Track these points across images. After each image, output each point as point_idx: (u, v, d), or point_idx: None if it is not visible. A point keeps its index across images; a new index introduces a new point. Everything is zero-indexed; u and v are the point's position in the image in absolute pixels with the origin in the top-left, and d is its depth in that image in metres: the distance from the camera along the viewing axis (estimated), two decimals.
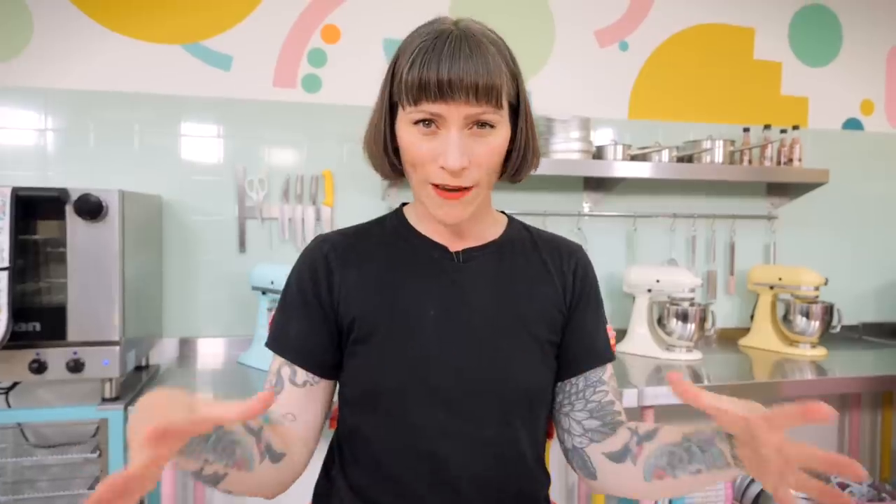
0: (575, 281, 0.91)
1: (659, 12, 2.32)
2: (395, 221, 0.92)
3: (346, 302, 0.85)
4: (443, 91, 0.74)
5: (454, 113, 0.75)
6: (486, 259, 0.88)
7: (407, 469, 0.82)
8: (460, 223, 0.83)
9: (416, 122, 0.77)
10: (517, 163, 0.85)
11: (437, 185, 0.78)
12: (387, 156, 0.85)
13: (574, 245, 0.95)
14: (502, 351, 0.83)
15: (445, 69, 0.74)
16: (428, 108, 0.75)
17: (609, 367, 0.91)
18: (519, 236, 0.93)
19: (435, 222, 0.87)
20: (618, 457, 0.84)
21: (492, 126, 0.77)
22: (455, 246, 0.88)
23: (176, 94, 1.97)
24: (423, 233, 0.89)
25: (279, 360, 0.86)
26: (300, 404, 0.85)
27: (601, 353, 0.91)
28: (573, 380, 0.89)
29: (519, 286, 0.87)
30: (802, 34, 2.46)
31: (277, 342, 0.88)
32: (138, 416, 0.56)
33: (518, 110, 0.82)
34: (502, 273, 0.88)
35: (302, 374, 0.85)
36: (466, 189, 0.78)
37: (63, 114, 1.90)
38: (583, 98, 2.28)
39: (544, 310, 0.87)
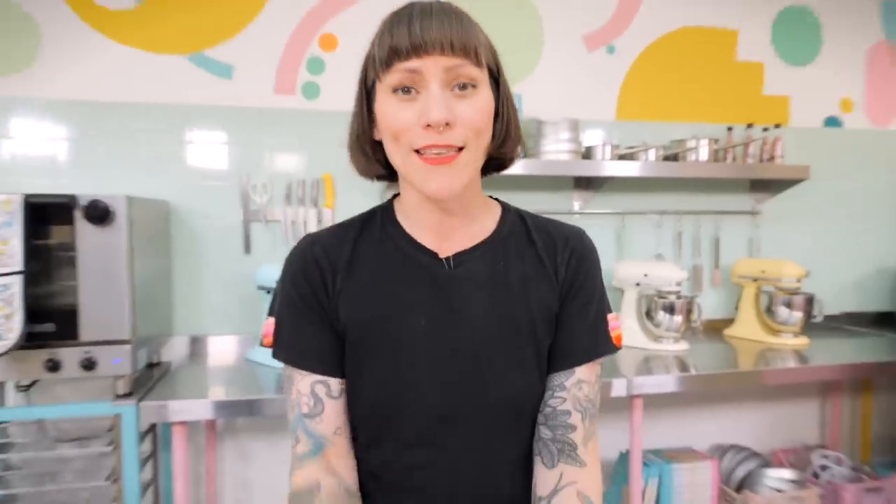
0: (567, 273, 0.84)
1: (645, 16, 2.40)
2: (384, 219, 0.86)
3: (338, 311, 0.81)
4: (416, 47, 0.69)
5: (431, 66, 0.70)
6: (478, 262, 0.82)
7: (397, 474, 0.83)
8: (451, 201, 0.77)
9: (395, 91, 0.72)
10: (502, 133, 0.79)
11: (422, 154, 0.72)
12: (360, 145, 0.81)
13: (571, 232, 0.87)
14: (495, 363, 0.80)
15: (417, 28, 0.70)
16: (402, 65, 0.70)
17: (578, 372, 0.82)
18: (513, 230, 0.86)
19: (423, 214, 0.81)
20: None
21: (474, 86, 0.72)
22: (445, 249, 0.82)
23: (180, 103, 2.04)
24: (411, 233, 0.83)
25: (309, 377, 0.80)
26: (342, 416, 0.82)
27: (568, 357, 0.83)
28: None
29: (514, 290, 0.82)
30: (784, 35, 2.54)
31: (300, 359, 0.81)
32: None
33: (498, 82, 0.78)
34: (496, 277, 0.82)
35: (336, 385, 0.81)
36: (455, 153, 0.72)
37: (73, 124, 1.97)
38: (572, 100, 2.36)
39: (540, 313, 0.82)
